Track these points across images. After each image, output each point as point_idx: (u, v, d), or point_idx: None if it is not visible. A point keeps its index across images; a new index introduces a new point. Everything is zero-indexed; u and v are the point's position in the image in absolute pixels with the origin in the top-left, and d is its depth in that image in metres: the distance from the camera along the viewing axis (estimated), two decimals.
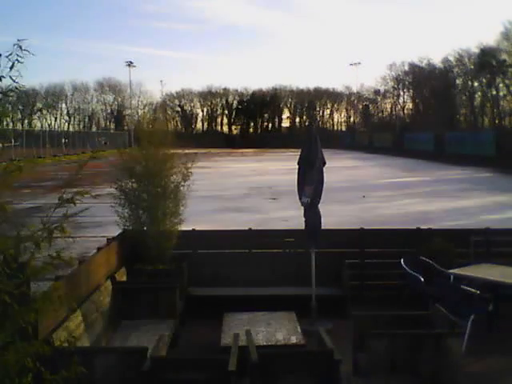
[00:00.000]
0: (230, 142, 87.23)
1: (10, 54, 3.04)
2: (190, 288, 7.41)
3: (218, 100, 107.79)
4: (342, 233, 8.29)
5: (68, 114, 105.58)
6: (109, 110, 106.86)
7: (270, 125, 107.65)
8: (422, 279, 7.01)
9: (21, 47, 3.05)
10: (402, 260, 7.30)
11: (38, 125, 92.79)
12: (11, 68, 3.06)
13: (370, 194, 22.00)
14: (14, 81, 3.08)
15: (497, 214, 16.17)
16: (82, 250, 10.05)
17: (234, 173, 34.78)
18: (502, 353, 6.03)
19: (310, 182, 6.91)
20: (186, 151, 8.46)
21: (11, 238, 3.03)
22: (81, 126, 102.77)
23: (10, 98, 3.17)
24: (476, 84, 72.69)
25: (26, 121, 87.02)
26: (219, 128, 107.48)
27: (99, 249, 6.64)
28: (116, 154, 7.76)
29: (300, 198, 7.05)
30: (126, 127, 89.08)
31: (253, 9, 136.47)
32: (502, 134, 42.23)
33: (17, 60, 3.06)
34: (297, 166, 7.19)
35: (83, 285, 5.44)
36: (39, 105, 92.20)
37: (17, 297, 3.04)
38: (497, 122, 68.45)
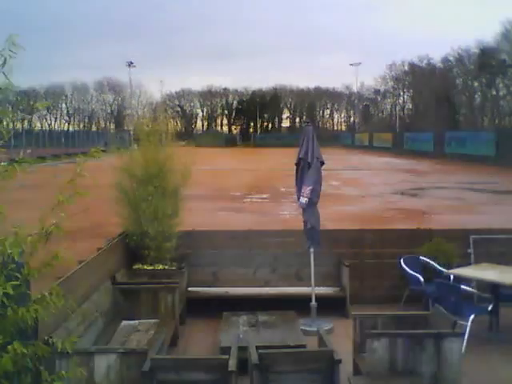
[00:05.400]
0: (230, 142, 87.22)
1: (2, 50, 3.01)
2: (189, 288, 7.42)
3: (218, 100, 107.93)
4: (341, 233, 8.28)
5: (68, 113, 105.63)
6: (109, 110, 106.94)
7: (270, 125, 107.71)
8: (422, 279, 7.02)
9: (13, 42, 3.02)
10: (401, 260, 7.30)
11: (38, 125, 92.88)
12: (3, 64, 3.03)
13: None
14: (7, 77, 3.06)
15: None
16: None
17: None
18: (502, 353, 6.03)
19: (308, 182, 6.91)
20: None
21: (9, 239, 3.02)
22: (81, 126, 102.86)
23: (10, 98, 3.16)
24: (476, 84, 72.66)
25: (25, 121, 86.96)
26: (219, 128, 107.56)
27: (99, 249, 6.64)
28: (116, 154, 7.75)
29: (298, 199, 7.04)
30: (125, 127, 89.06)
31: (252, 8, 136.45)
32: (502, 134, 42.19)
33: (9, 55, 3.03)
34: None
35: (83, 285, 5.43)
36: (39, 105, 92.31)
37: (16, 297, 3.03)
38: (497, 122, 68.44)
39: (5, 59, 3.01)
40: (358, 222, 12.62)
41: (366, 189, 24.15)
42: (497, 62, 63.66)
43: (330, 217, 12.48)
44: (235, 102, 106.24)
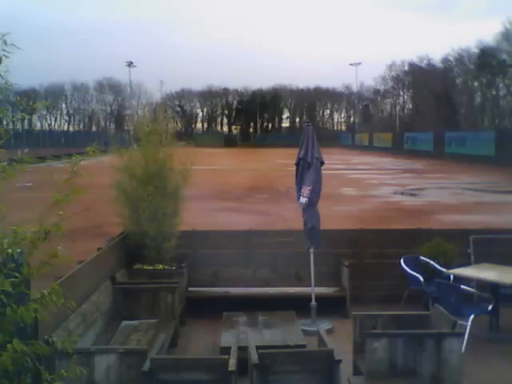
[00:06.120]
0: (229, 142, 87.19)
1: None
2: (189, 288, 7.41)
3: (218, 100, 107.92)
4: (341, 233, 8.28)
5: (68, 113, 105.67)
6: (109, 110, 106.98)
7: (270, 125, 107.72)
8: (422, 279, 7.02)
9: (5, 42, 2.98)
10: (401, 260, 7.30)
11: (38, 125, 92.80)
12: None
13: None
14: (3, 77, 3.04)
15: None
16: None
17: None
18: (502, 353, 6.03)
19: (308, 183, 6.90)
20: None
21: (8, 238, 3.01)
22: (81, 126, 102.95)
23: (10, 98, 3.15)
24: (476, 84, 72.66)
25: (25, 121, 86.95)
26: (219, 128, 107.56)
27: (99, 249, 6.64)
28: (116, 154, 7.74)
29: (298, 199, 7.04)
30: (126, 127, 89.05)
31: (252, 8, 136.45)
32: (502, 134, 42.18)
33: (4, 55, 3.00)
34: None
35: (83, 285, 5.43)
36: (39, 104, 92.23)
37: (15, 297, 3.02)
38: (497, 122, 68.41)
39: (0, 59, 2.98)
40: (357, 222, 12.61)
41: (366, 189, 24.15)
42: (497, 62, 63.60)
43: (330, 216, 12.48)
44: (235, 102, 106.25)
